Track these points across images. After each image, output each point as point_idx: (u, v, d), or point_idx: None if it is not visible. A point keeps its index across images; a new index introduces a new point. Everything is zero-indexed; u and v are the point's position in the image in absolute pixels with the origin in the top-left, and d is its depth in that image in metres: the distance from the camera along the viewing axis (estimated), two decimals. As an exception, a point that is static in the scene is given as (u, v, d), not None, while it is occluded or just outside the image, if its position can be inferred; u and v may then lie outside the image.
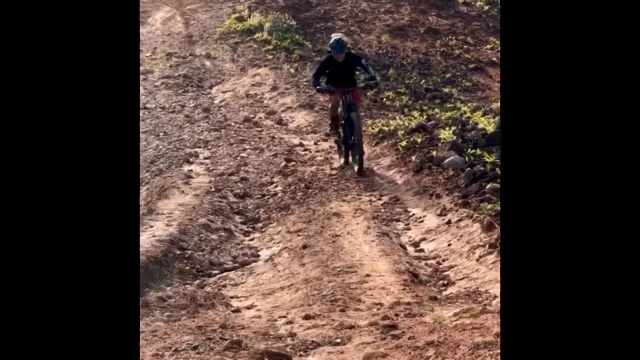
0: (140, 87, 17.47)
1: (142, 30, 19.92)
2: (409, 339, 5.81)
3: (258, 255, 10.94)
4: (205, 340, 5.78)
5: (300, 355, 5.99)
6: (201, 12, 20.92)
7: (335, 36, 14.87)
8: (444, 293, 8.67)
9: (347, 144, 14.15)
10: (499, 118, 14.00)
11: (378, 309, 7.49)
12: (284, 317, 7.55)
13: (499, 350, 4.64)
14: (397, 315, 7.01)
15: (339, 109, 14.44)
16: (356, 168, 13.77)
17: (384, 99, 16.89)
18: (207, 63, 18.67)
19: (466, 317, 6.21)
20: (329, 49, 14.63)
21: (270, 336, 6.41)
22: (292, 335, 6.61)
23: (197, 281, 10.02)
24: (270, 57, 18.81)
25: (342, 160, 14.49)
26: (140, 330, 6.68)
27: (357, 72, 14.91)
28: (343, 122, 14.23)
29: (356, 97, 14.40)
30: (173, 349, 5.57)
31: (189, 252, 10.80)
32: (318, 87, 14.42)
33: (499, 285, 8.62)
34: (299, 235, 11.00)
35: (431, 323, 6.34)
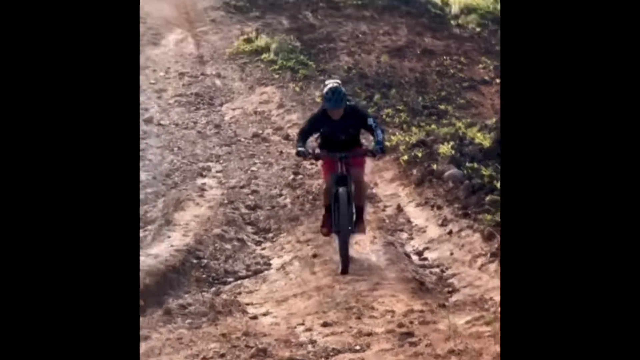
0: (155, 105, 17.38)
1: (156, 51, 19.83)
2: (426, 346, 5.65)
3: (270, 264, 10.79)
4: (231, 347, 5.62)
5: (322, 362, 5.85)
6: (211, 34, 20.76)
7: (330, 83, 9.90)
8: (451, 300, 8.54)
9: (333, 231, 9.85)
10: (495, 133, 13.91)
11: (392, 317, 7.33)
12: (302, 324, 7.40)
13: (523, 360, 4.49)
14: (411, 322, 6.85)
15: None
16: (340, 266, 9.43)
17: (384, 116, 16.66)
18: (218, 82, 18.54)
19: (480, 325, 6.07)
20: (323, 99, 9.92)
21: (292, 343, 6.27)
22: (313, 342, 6.47)
23: (214, 289, 9.90)
24: (277, 76, 18.68)
25: (339, 268, 9.57)
26: (166, 337, 6.58)
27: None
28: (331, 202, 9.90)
29: (356, 163, 9.92)
30: (201, 356, 5.44)
31: (205, 261, 10.69)
32: (298, 149, 9.75)
33: (503, 293, 8.53)
34: (308, 245, 10.85)
35: (445, 330, 6.19)
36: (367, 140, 11.09)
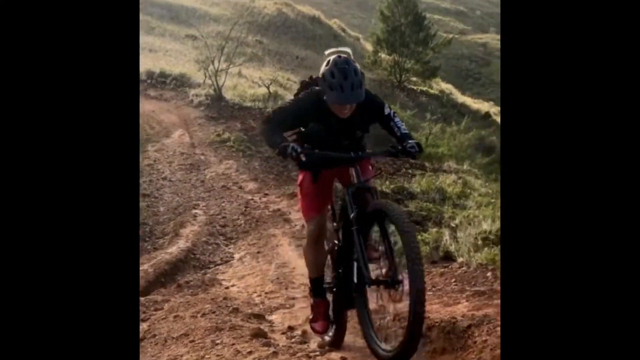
0: (167, 170, 16.80)
1: (168, 140, 19.18)
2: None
3: (233, 257, 10.45)
4: (218, 307, 5.34)
5: (269, 314, 5.62)
6: (199, 132, 20.26)
7: (334, 55, 3.34)
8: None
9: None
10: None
11: (305, 288, 7.00)
12: (254, 292, 7.15)
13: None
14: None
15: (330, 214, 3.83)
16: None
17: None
18: (202, 157, 18.02)
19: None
20: (318, 80, 3.41)
21: (251, 304, 6.03)
22: (262, 303, 6.26)
23: (202, 271, 9.52)
24: (234, 154, 18.27)
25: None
26: (179, 301, 6.22)
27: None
28: (340, 240, 3.63)
29: (366, 172, 3.56)
30: (202, 312, 5.13)
31: (198, 255, 10.30)
32: (280, 145, 3.35)
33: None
34: (254, 246, 10.60)
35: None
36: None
